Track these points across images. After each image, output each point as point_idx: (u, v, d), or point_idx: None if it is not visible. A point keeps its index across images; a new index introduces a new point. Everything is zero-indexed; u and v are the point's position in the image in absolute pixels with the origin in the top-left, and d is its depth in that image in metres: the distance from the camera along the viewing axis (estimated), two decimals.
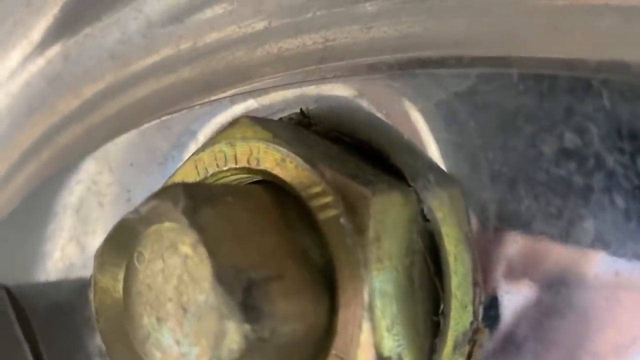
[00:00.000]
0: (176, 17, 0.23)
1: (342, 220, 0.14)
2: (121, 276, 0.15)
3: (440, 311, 0.15)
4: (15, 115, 0.28)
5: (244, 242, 0.14)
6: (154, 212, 0.14)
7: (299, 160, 0.15)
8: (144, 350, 0.15)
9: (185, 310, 0.14)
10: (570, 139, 0.13)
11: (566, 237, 0.13)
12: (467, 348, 0.15)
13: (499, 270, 0.15)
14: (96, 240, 0.25)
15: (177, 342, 0.14)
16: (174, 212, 0.13)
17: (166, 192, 0.14)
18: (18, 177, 0.27)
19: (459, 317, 0.15)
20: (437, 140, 0.16)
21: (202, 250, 0.13)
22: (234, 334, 0.12)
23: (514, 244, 0.14)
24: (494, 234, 0.14)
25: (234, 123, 0.17)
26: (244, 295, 0.13)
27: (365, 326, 0.14)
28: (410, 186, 0.16)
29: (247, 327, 0.13)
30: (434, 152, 0.16)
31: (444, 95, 0.16)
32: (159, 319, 0.14)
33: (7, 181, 0.28)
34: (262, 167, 0.16)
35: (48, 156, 0.27)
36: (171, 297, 0.14)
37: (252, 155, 0.16)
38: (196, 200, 0.13)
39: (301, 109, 0.18)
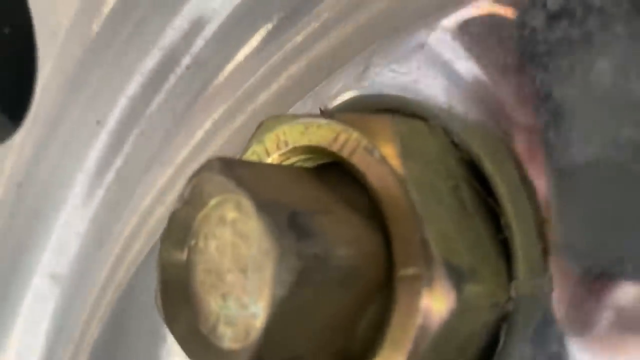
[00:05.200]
0: None
1: (367, 148, 0.14)
2: (184, 271, 0.15)
3: (502, 224, 0.15)
4: (88, 253, 0.30)
5: (284, 190, 0.14)
6: (196, 189, 0.14)
7: (321, 121, 0.16)
8: (216, 335, 0.14)
9: (244, 271, 0.14)
10: (553, 2, 0.14)
11: (586, 84, 0.13)
12: (540, 250, 0.14)
13: None
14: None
15: (244, 307, 0.14)
16: (210, 175, 0.14)
17: (201, 167, 0.14)
18: (101, 305, 0.29)
19: (520, 223, 0.15)
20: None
21: (243, 198, 0.13)
22: (288, 254, 0.12)
23: None
24: None
25: (259, 125, 0.18)
26: (290, 220, 0.13)
27: (422, 241, 0.14)
28: None
29: (298, 244, 0.12)
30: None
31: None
32: (224, 296, 0.14)
33: (93, 314, 0.29)
34: (291, 145, 0.16)
35: (122, 274, 0.28)
36: (229, 267, 0.14)
37: (280, 140, 0.17)
38: (231, 162, 0.14)
39: (320, 108, 0.19)
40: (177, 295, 0.15)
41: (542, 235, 0.14)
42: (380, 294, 0.14)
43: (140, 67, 0.27)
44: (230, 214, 0.15)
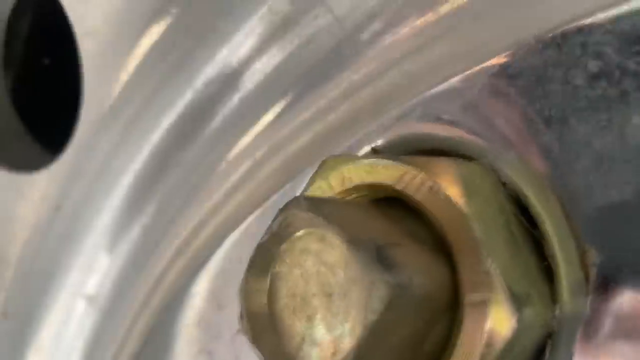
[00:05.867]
0: None
1: (433, 188, 0.16)
2: (268, 295, 0.17)
3: (547, 254, 0.17)
4: (125, 276, 0.31)
5: (361, 225, 0.16)
6: (284, 223, 0.16)
7: (386, 161, 0.18)
8: (302, 355, 0.16)
9: (330, 295, 0.16)
10: (594, 65, 0.16)
11: (622, 136, 0.15)
12: (582, 276, 0.16)
13: None
14: (220, 345, 0.26)
15: (330, 329, 0.16)
16: (299, 212, 0.16)
17: (288, 204, 0.16)
18: (136, 327, 0.30)
19: (564, 253, 0.17)
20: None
21: (330, 233, 0.15)
22: (379, 283, 0.14)
23: None
24: None
25: (321, 164, 0.20)
26: (377, 252, 0.15)
27: (488, 271, 0.16)
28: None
29: (387, 274, 0.14)
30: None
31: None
32: (309, 318, 0.16)
33: (128, 337, 0.30)
34: (355, 182, 0.18)
35: (160, 298, 0.29)
36: (315, 292, 0.16)
37: (345, 177, 0.19)
38: (314, 200, 0.16)
39: (372, 148, 0.21)
40: (261, 317, 0.17)
41: (583, 264, 0.17)
42: (445, 315, 0.16)
43: (193, 84, 0.28)
44: (314, 246, 0.16)
